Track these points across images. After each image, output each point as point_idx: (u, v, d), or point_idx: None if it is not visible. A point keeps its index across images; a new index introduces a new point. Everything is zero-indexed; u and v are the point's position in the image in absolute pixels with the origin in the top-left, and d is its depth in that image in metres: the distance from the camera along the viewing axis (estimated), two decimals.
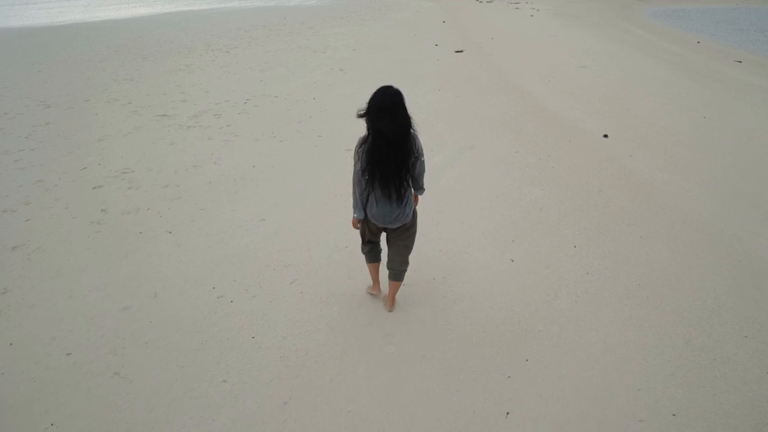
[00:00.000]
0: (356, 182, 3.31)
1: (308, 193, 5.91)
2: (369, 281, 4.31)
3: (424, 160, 3.38)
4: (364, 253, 3.94)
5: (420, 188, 3.52)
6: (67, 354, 3.57)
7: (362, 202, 3.38)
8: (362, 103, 3.17)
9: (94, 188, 6.09)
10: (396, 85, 3.16)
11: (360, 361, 3.52)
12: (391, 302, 3.99)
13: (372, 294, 4.19)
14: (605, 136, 7.73)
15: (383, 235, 3.76)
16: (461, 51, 15.12)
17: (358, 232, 3.81)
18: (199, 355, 3.56)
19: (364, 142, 3.20)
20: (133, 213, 5.51)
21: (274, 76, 11.83)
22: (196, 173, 6.47)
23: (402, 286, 4.19)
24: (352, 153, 3.34)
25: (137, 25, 21.46)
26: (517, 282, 4.33)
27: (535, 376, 3.38)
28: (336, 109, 9.04)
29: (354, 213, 3.48)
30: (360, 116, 3.14)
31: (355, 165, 3.28)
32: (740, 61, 14.96)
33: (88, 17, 24.81)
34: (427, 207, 5.48)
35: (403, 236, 3.58)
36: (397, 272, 3.80)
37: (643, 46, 16.88)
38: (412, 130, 3.18)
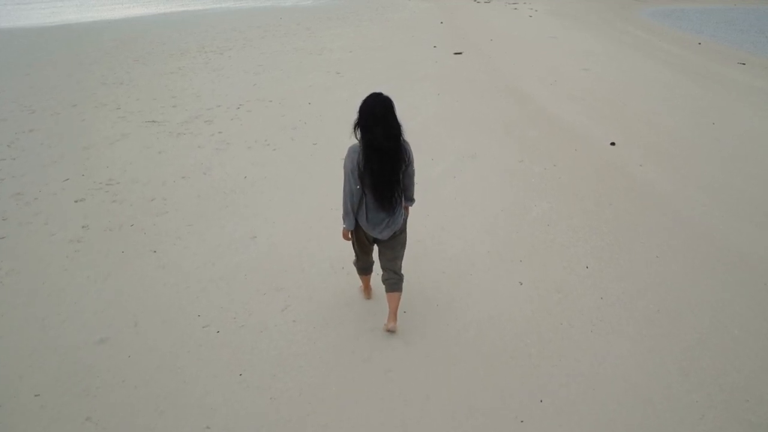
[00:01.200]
0: (348, 193, 3.24)
1: (302, 208, 5.59)
2: (370, 303, 4.10)
3: (414, 169, 3.35)
4: (356, 266, 3.88)
5: (410, 199, 3.48)
6: (36, 395, 3.24)
7: (354, 212, 3.30)
8: (358, 108, 3.08)
9: (76, 202, 5.75)
10: (394, 89, 3.12)
11: (358, 402, 3.20)
12: (393, 318, 3.68)
13: (365, 298, 4.13)
14: (612, 143, 7.43)
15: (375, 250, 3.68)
16: (460, 53, 14.81)
17: (354, 251, 3.72)
18: (180, 396, 3.23)
19: (356, 151, 3.14)
20: (116, 229, 5.18)
21: (269, 79, 11.49)
22: (184, 185, 6.14)
23: (403, 313, 3.91)
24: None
25: (130, 25, 21.07)
26: (527, 308, 4.02)
27: (551, 420, 3.07)
28: (332, 115, 8.71)
29: (344, 223, 3.39)
30: (355, 128, 3.10)
31: (345, 174, 3.21)
32: (743, 63, 14.72)
33: (81, 17, 24.40)
34: (428, 222, 5.19)
35: (393, 244, 3.50)
36: (393, 282, 3.62)
37: (644, 48, 16.62)
38: (402, 138, 3.14)
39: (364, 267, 3.87)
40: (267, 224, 5.26)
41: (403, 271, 3.64)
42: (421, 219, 5.22)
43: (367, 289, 4.11)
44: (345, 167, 3.20)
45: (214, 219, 5.38)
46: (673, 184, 6.20)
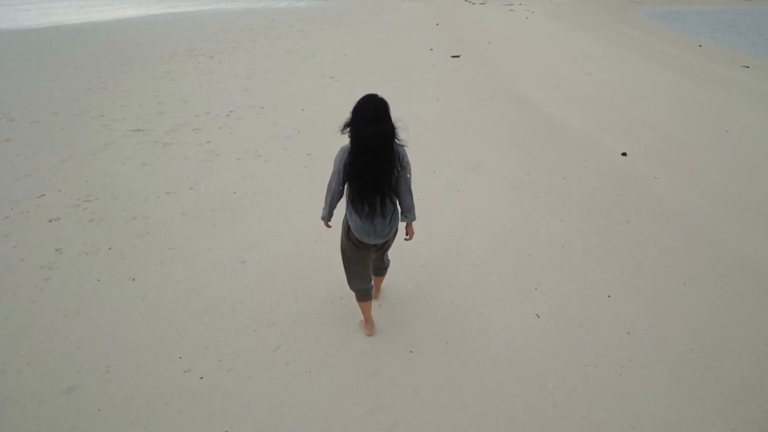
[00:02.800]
0: (329, 190, 3.22)
1: (296, 227, 5.17)
2: (371, 340, 3.68)
3: (410, 177, 3.16)
4: (354, 290, 3.57)
5: (407, 213, 3.27)
6: None
7: (332, 208, 3.31)
8: (352, 108, 2.94)
9: (50, 221, 5.30)
10: (391, 94, 3.04)
11: None
12: (376, 292, 3.92)
13: (366, 335, 3.71)
14: (624, 154, 7.04)
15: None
16: (458, 56, 14.42)
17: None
18: None
19: (346, 151, 3.02)
20: (92, 254, 4.73)
21: (260, 84, 11.05)
22: (168, 201, 5.70)
23: (409, 352, 3.54)
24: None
25: (119, 27, 20.54)
26: (546, 346, 3.61)
27: None
28: (326, 122, 8.26)
29: (321, 214, 3.37)
30: (344, 128, 2.95)
31: (333, 172, 3.13)
32: (747, 66, 14.41)
33: (70, 19, 23.85)
34: (433, 243, 4.80)
35: (383, 248, 3.46)
36: (379, 270, 3.75)
37: (645, 50, 16.29)
38: (396, 141, 2.98)
39: (361, 290, 3.52)
40: (257, 247, 4.83)
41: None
42: (425, 240, 4.83)
43: (368, 323, 3.70)
44: (334, 164, 3.11)
45: (199, 240, 4.95)
46: (692, 199, 5.82)
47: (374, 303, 3.91)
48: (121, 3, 33.70)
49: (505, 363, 3.46)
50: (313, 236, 4.97)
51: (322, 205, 3.33)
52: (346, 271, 3.51)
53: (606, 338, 3.68)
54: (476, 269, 4.49)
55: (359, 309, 3.71)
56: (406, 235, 3.44)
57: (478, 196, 5.83)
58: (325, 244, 4.84)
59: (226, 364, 3.45)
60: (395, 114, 2.98)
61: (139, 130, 8.01)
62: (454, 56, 14.37)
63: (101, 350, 3.57)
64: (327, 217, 3.37)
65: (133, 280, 4.35)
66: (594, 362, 3.46)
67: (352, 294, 3.66)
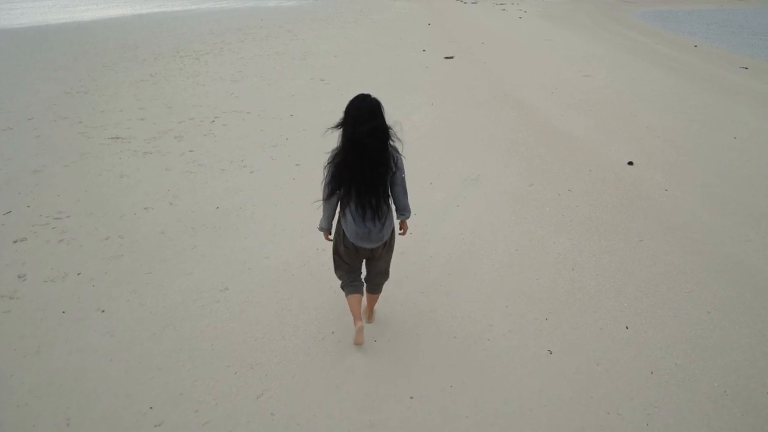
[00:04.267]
0: (325, 197, 3.09)
1: (283, 248, 4.76)
2: (367, 384, 3.25)
3: (404, 177, 3.12)
4: (342, 287, 3.47)
5: (403, 210, 3.23)
6: None
7: (330, 215, 3.21)
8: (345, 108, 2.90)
9: (15, 242, 4.87)
10: (385, 98, 2.97)
11: None
12: (369, 314, 3.75)
13: (357, 341, 3.43)
14: (630, 163, 6.68)
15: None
16: (451, 57, 14.06)
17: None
18: None
19: (337, 154, 2.93)
20: (59, 280, 4.30)
21: (247, 87, 10.61)
22: (146, 219, 5.27)
23: (410, 398, 3.16)
24: None
25: (102, 28, 20.00)
26: (562, 389, 3.24)
27: None
28: (316, 129, 7.75)
29: (319, 225, 3.29)
30: (336, 127, 2.89)
31: (325, 179, 3.03)
32: (746, 68, 14.17)
33: (51, 19, 23.25)
34: (432, 266, 4.43)
35: (382, 254, 3.33)
36: (376, 285, 3.54)
37: (642, 51, 16.02)
38: (390, 142, 2.92)
39: (352, 285, 3.40)
40: (241, 271, 4.42)
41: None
42: (424, 262, 4.46)
43: (357, 319, 3.32)
44: (326, 169, 3.03)
45: (178, 263, 4.53)
46: (706, 213, 5.46)
47: (369, 339, 3.59)
48: (107, 2, 33.06)
49: (517, 410, 3.08)
50: (302, 258, 4.58)
51: (321, 215, 3.24)
52: (336, 269, 3.45)
53: (628, 379, 3.32)
54: (480, 296, 4.11)
55: (353, 334, 3.43)
56: (400, 229, 3.41)
57: (479, 212, 5.46)
58: (315, 266, 4.45)
59: (202, 416, 3.04)
60: (389, 119, 2.92)
61: (118, 138, 7.57)
62: (447, 57, 14.01)
63: (61, 398, 3.16)
64: (326, 228, 3.27)
65: (103, 311, 3.93)
66: (616, 409, 3.09)
67: (346, 327, 3.48)
